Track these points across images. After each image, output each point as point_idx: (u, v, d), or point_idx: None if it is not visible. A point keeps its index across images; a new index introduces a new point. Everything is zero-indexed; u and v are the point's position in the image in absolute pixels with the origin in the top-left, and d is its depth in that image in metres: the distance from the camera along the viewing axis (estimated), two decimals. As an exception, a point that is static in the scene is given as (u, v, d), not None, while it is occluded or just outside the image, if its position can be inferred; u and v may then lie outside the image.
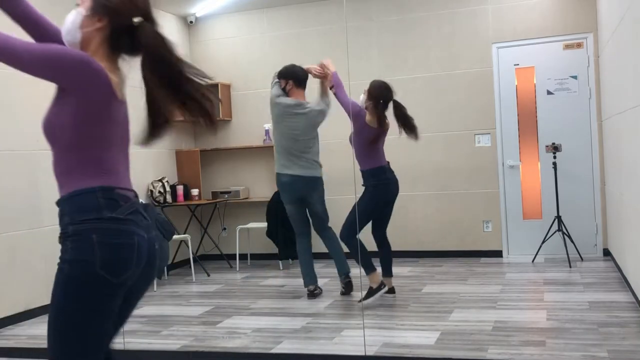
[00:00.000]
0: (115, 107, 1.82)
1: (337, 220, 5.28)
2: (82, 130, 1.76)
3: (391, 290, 5.06)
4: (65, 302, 1.73)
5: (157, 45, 1.81)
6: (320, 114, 5.20)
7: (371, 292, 4.85)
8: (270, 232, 6.71)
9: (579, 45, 6.34)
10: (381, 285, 4.87)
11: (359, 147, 4.94)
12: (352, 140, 5.00)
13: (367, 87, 4.94)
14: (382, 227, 5.09)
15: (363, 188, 4.97)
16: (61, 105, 1.77)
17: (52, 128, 1.78)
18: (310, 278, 5.24)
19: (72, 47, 1.84)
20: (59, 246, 1.81)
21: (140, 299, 1.98)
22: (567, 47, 6.37)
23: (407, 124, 4.89)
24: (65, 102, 1.76)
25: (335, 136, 6.43)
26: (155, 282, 6.09)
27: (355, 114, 4.84)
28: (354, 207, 4.80)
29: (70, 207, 1.76)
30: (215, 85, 7.19)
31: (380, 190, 4.91)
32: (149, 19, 1.85)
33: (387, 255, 5.11)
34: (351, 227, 4.81)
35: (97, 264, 1.71)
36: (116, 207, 1.76)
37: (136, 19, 1.82)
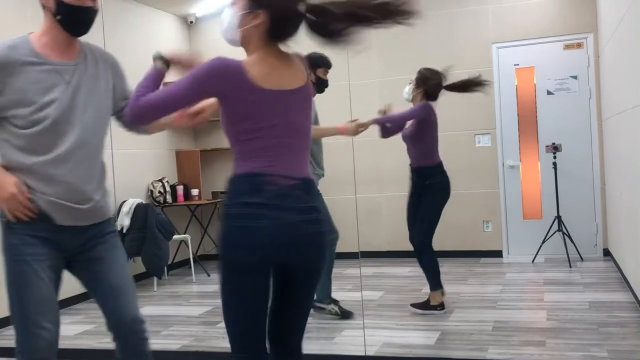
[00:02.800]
0: (260, 98, 1.87)
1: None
2: (231, 126, 1.90)
3: (441, 306, 4.57)
4: (220, 277, 1.97)
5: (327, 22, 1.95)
6: None
7: (426, 306, 4.54)
8: (270, 232, 6.70)
9: (579, 45, 6.34)
10: (438, 307, 4.51)
11: (429, 142, 4.62)
12: (414, 137, 4.66)
13: (414, 76, 4.69)
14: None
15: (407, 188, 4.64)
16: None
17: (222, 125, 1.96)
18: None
19: (233, 45, 2.00)
20: None
21: (309, 285, 2.09)
22: (567, 47, 6.37)
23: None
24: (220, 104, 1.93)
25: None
26: (155, 282, 6.09)
27: (427, 113, 4.56)
28: (414, 209, 4.46)
29: (226, 191, 1.95)
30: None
31: (447, 187, 4.62)
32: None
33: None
34: (426, 233, 4.52)
35: (230, 244, 1.89)
36: (257, 193, 1.86)
37: (300, 6, 1.88)
